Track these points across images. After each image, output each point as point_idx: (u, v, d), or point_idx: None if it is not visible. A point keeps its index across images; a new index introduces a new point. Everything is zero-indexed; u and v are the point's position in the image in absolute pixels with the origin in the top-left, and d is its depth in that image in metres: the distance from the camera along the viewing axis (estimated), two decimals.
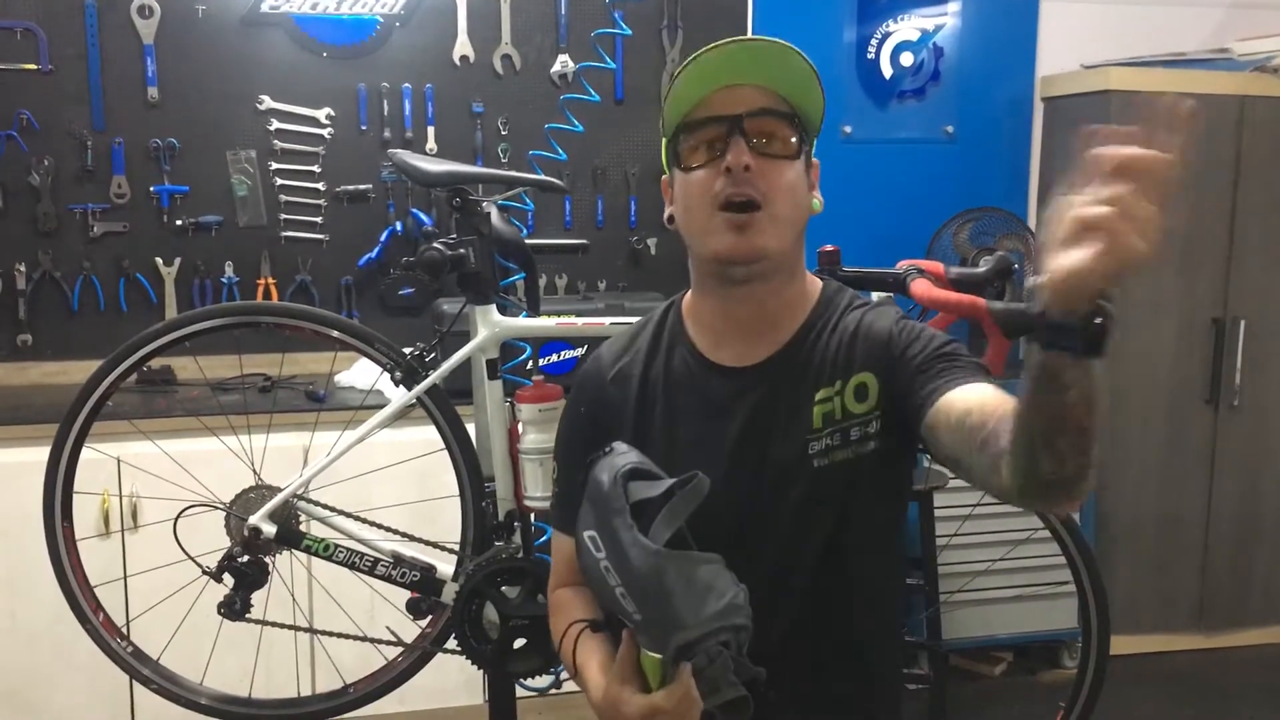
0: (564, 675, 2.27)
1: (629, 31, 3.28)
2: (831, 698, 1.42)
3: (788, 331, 1.43)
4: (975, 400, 1.24)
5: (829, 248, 2.24)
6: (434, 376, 2.17)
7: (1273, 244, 3.66)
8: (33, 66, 3.20)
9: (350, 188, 3.42)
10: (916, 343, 1.37)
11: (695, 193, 1.37)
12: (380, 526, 2.25)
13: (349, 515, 2.23)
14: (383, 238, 3.44)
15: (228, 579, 2.14)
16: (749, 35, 1.38)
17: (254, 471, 2.22)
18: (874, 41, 3.76)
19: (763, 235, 1.34)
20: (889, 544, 1.47)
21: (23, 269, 3.24)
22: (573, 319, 2.32)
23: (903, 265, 2.21)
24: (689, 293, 1.52)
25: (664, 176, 1.48)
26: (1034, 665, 3.64)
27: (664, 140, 1.44)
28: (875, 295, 3.17)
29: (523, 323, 2.25)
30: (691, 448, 1.42)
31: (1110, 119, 3.60)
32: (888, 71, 3.78)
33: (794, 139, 1.37)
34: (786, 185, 1.35)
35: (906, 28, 3.78)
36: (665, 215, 1.48)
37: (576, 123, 2.93)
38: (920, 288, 2.10)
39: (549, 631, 2.14)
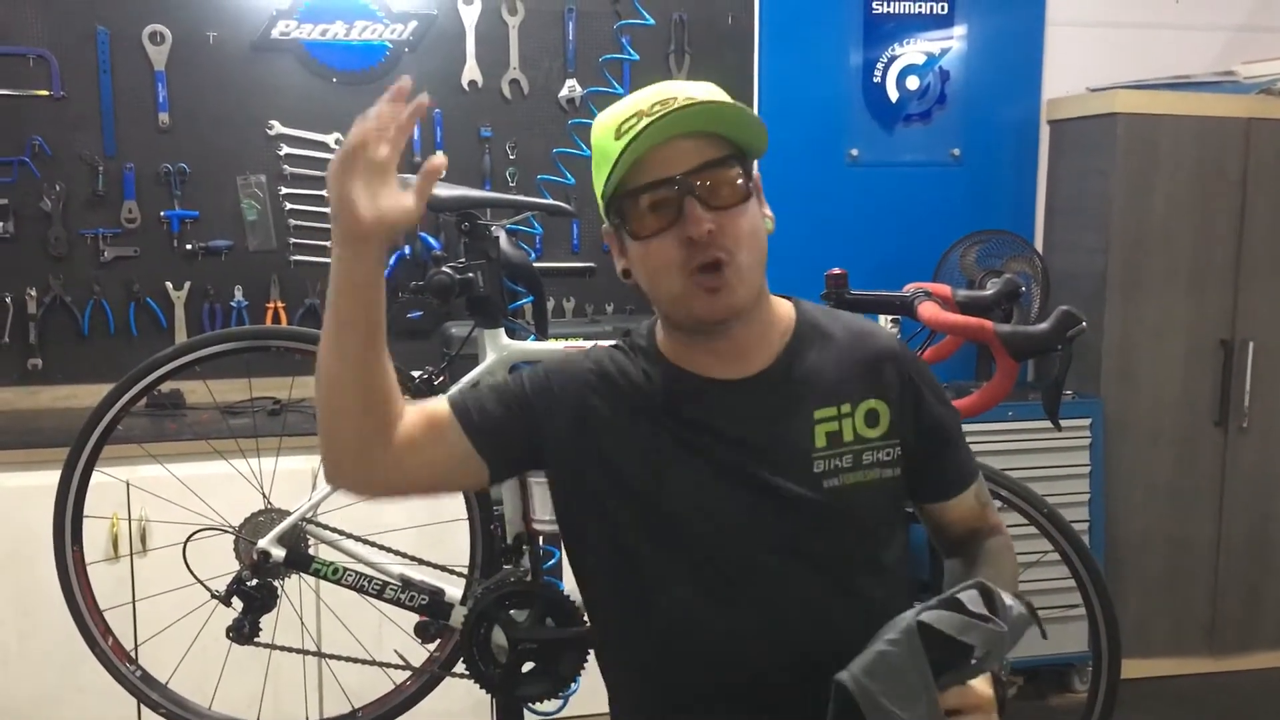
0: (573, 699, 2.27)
1: (636, 57, 3.30)
2: None
3: (770, 350, 1.41)
4: (959, 515, 1.54)
5: (836, 271, 2.25)
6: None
7: None
8: (45, 93, 3.23)
9: None
10: (936, 413, 1.47)
11: (658, 263, 1.31)
12: (389, 550, 2.25)
13: (357, 539, 2.24)
14: (391, 261, 3.44)
15: (236, 603, 2.14)
16: (665, 90, 1.32)
17: (263, 495, 2.22)
18: (880, 65, 3.77)
19: (734, 293, 1.30)
20: (899, 566, 1.47)
21: (34, 293, 3.26)
22: (581, 342, 2.32)
23: (910, 288, 2.21)
24: (652, 323, 1.47)
25: (605, 227, 1.41)
26: (1044, 689, 3.62)
27: (601, 199, 1.37)
28: (881, 319, 3.19)
29: (531, 346, 2.26)
30: (684, 461, 1.38)
31: (1116, 142, 3.64)
32: (894, 95, 3.79)
33: (740, 179, 1.31)
34: (749, 232, 1.31)
35: (912, 51, 3.79)
36: (619, 269, 1.41)
37: (584, 147, 2.94)
38: (928, 311, 2.10)
39: (558, 655, 2.15)
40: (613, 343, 1.52)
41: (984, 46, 3.84)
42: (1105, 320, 3.55)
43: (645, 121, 1.27)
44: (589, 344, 2.29)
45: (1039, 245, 3.87)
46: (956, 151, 3.86)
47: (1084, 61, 3.85)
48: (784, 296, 1.48)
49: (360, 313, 1.28)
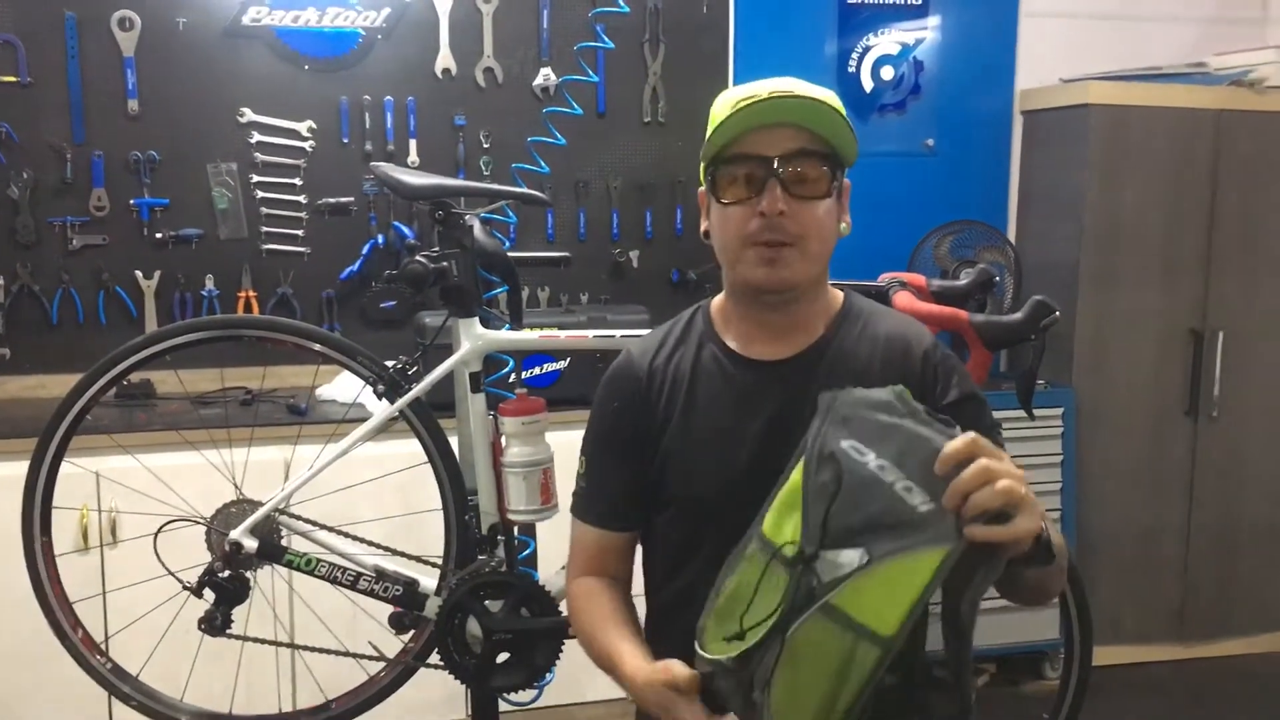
0: (547, 688, 2.27)
1: (611, 45, 3.29)
2: None
3: (815, 332, 1.50)
4: None
5: None
6: (417, 389, 2.17)
7: (1250, 256, 3.69)
8: (12, 79, 3.18)
9: (332, 200, 3.41)
10: (958, 394, 1.48)
11: (730, 228, 1.43)
12: (362, 541, 2.24)
13: (331, 529, 2.22)
14: (364, 250, 3.43)
15: (208, 594, 2.13)
16: (787, 83, 1.42)
17: (235, 486, 2.21)
18: (855, 55, 3.78)
19: (792, 269, 1.42)
20: None
21: (1, 282, 3.22)
22: (556, 332, 2.32)
23: (885, 278, 2.22)
24: (719, 296, 1.58)
25: (701, 189, 1.51)
26: (1016, 676, 3.65)
27: (703, 161, 1.47)
28: None
29: (506, 336, 2.25)
30: (719, 435, 1.47)
31: (1089, 132, 3.66)
32: (868, 85, 3.80)
33: (826, 177, 1.42)
34: (817, 224, 1.42)
35: (887, 41, 3.80)
36: (701, 229, 1.53)
37: (559, 135, 2.94)
38: (903, 300, 2.11)
39: (533, 646, 2.15)
40: (670, 322, 1.61)
41: (958, 37, 3.85)
42: (1077, 310, 3.57)
43: (759, 100, 1.39)
44: (563, 333, 2.30)
45: (1012, 235, 3.89)
46: (930, 142, 3.87)
47: (1057, 53, 3.86)
48: (839, 287, 1.58)
49: None
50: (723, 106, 1.44)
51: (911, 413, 1.19)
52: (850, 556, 1.12)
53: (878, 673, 1.10)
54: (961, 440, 1.11)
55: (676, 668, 1.28)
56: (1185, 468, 3.74)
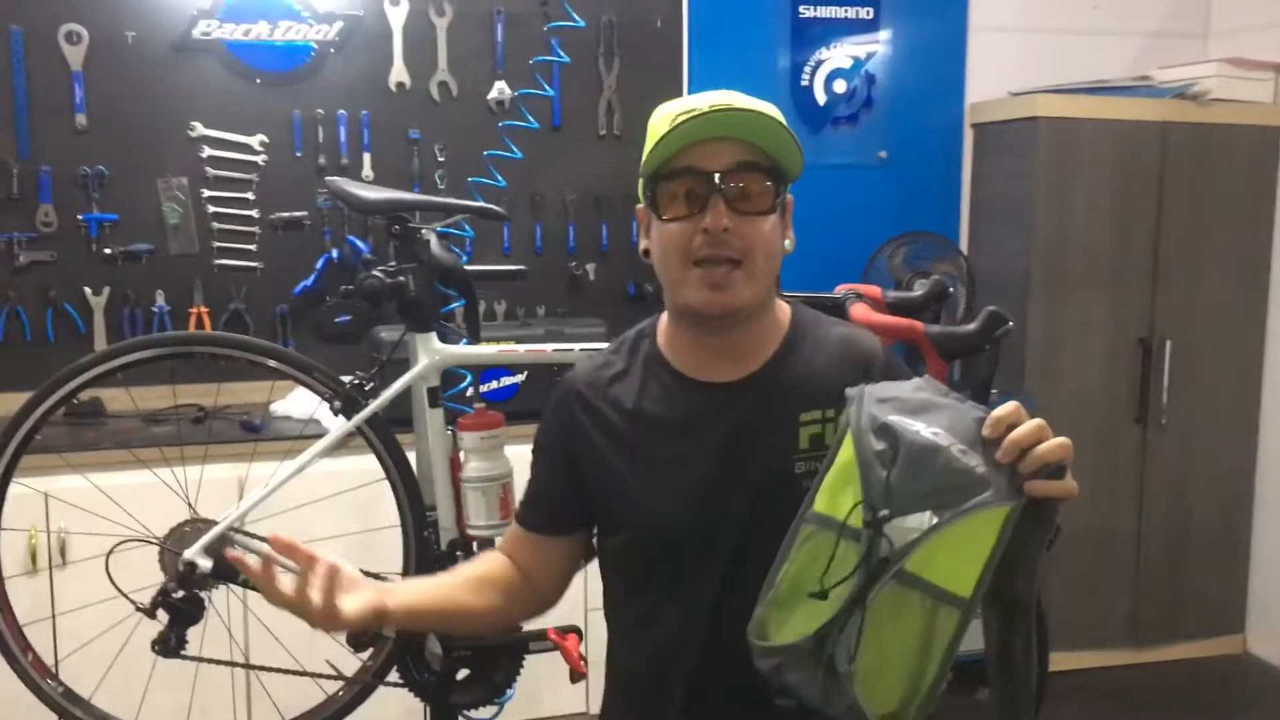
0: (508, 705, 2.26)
1: (567, 59, 3.30)
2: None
3: (766, 352, 1.46)
4: None
5: None
6: (374, 405, 2.15)
7: (1196, 265, 3.76)
8: None
9: (285, 215, 3.38)
10: None
11: (671, 245, 1.39)
12: None
13: None
14: (319, 265, 3.40)
15: (162, 615, 2.10)
16: (727, 96, 1.41)
17: (189, 505, 2.18)
18: (808, 69, 3.81)
19: (737, 292, 1.38)
20: None
21: None
22: (514, 345, 2.31)
23: (841, 290, 2.24)
24: (663, 316, 1.54)
25: (640, 206, 1.48)
26: (972, 683, 3.66)
27: (641, 176, 1.44)
28: None
29: (464, 350, 2.24)
30: (670, 463, 1.44)
31: (1037, 144, 3.71)
32: (821, 98, 3.83)
33: (770, 192, 1.39)
34: (763, 240, 1.38)
35: (839, 55, 3.83)
36: (641, 248, 1.50)
37: (515, 149, 2.94)
38: (859, 312, 2.13)
39: (493, 662, 2.14)
40: (614, 341, 1.59)
41: (909, 51, 3.90)
42: (1028, 320, 3.62)
43: (699, 115, 1.35)
44: (521, 347, 2.29)
45: (964, 246, 3.94)
46: (883, 154, 3.91)
47: (1005, 66, 3.92)
48: (785, 299, 1.55)
49: (417, 625, 1.55)
50: (661, 120, 1.41)
51: (942, 392, 1.24)
52: (919, 520, 1.14)
53: (960, 634, 1.14)
54: (1010, 405, 1.17)
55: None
56: (1136, 475, 3.80)
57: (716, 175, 1.35)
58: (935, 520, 1.14)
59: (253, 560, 1.32)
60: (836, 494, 1.23)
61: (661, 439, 1.45)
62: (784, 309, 1.52)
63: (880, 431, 1.19)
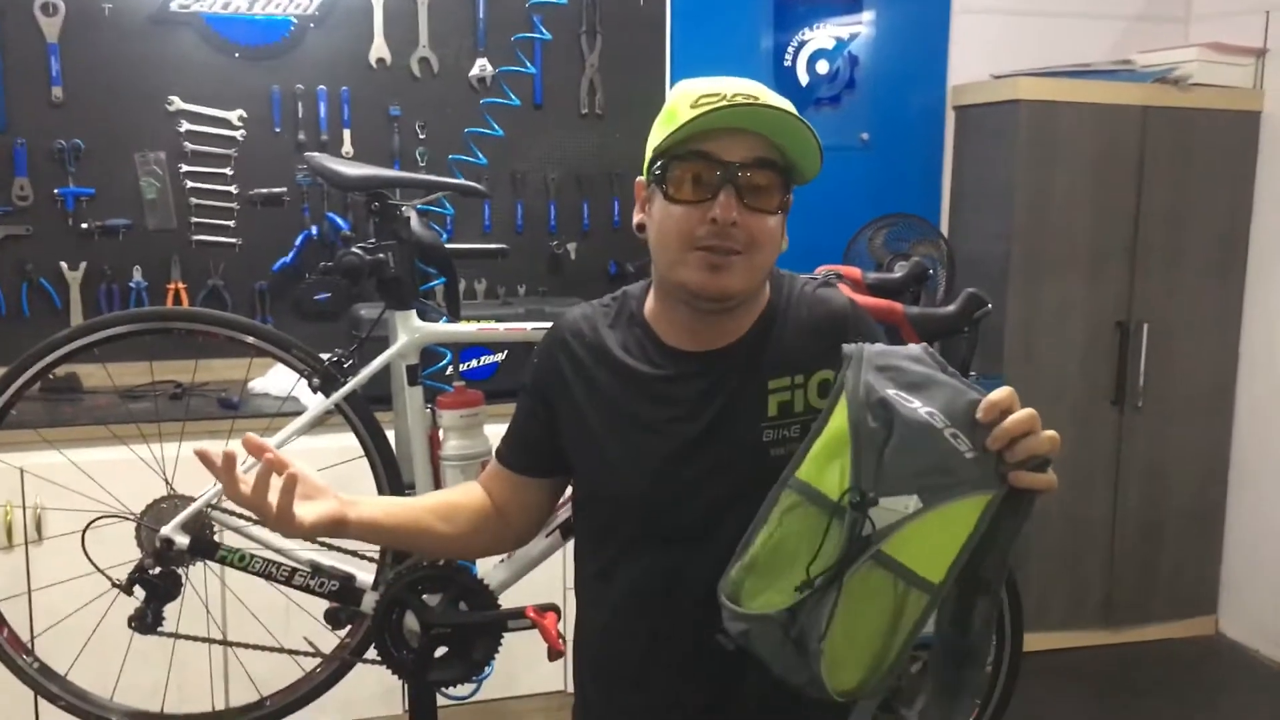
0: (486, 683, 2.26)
1: (549, 36, 3.28)
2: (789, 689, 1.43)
3: (745, 326, 1.47)
4: None
5: None
6: (353, 383, 2.15)
7: (1174, 249, 3.78)
8: None
9: (264, 191, 3.36)
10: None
11: (674, 228, 1.38)
12: None
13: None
14: (298, 242, 3.38)
15: (139, 592, 2.09)
16: (751, 87, 1.39)
17: (166, 481, 2.17)
18: (791, 49, 3.80)
19: (734, 279, 1.38)
20: None
21: None
22: (494, 324, 2.31)
23: (822, 271, 2.23)
24: (648, 283, 1.54)
25: (640, 179, 1.47)
26: None
27: (649, 151, 1.42)
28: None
29: (443, 328, 2.24)
30: (640, 423, 1.45)
31: (1018, 127, 3.72)
32: (804, 79, 3.83)
33: (780, 191, 1.39)
34: (767, 235, 1.38)
35: (822, 36, 3.83)
36: (635, 221, 1.49)
37: (496, 127, 2.93)
38: None
39: (472, 640, 2.14)
40: (605, 297, 1.58)
41: (891, 32, 3.89)
42: (1007, 302, 3.63)
43: (723, 104, 1.34)
44: (501, 326, 2.29)
45: (945, 229, 3.95)
46: (865, 135, 3.91)
47: (988, 49, 3.92)
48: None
49: (377, 540, 1.55)
50: (681, 99, 1.39)
51: (941, 366, 1.23)
52: (904, 502, 1.15)
53: (925, 619, 1.15)
54: (1005, 390, 1.17)
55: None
56: (1111, 457, 3.83)
57: (732, 166, 1.35)
58: (920, 505, 1.14)
59: (216, 455, 1.33)
60: (824, 465, 1.22)
61: (635, 399, 1.46)
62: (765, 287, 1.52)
63: (877, 407, 1.19)
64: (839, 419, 1.22)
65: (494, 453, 1.63)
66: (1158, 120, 3.69)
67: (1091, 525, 3.83)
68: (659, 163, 1.40)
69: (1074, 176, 3.65)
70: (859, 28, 3.86)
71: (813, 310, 1.49)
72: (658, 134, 1.41)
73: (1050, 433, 1.15)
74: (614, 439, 1.46)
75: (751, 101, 1.35)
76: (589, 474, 1.52)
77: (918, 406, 1.18)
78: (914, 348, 1.27)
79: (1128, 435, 3.83)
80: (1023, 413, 1.16)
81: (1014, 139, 3.61)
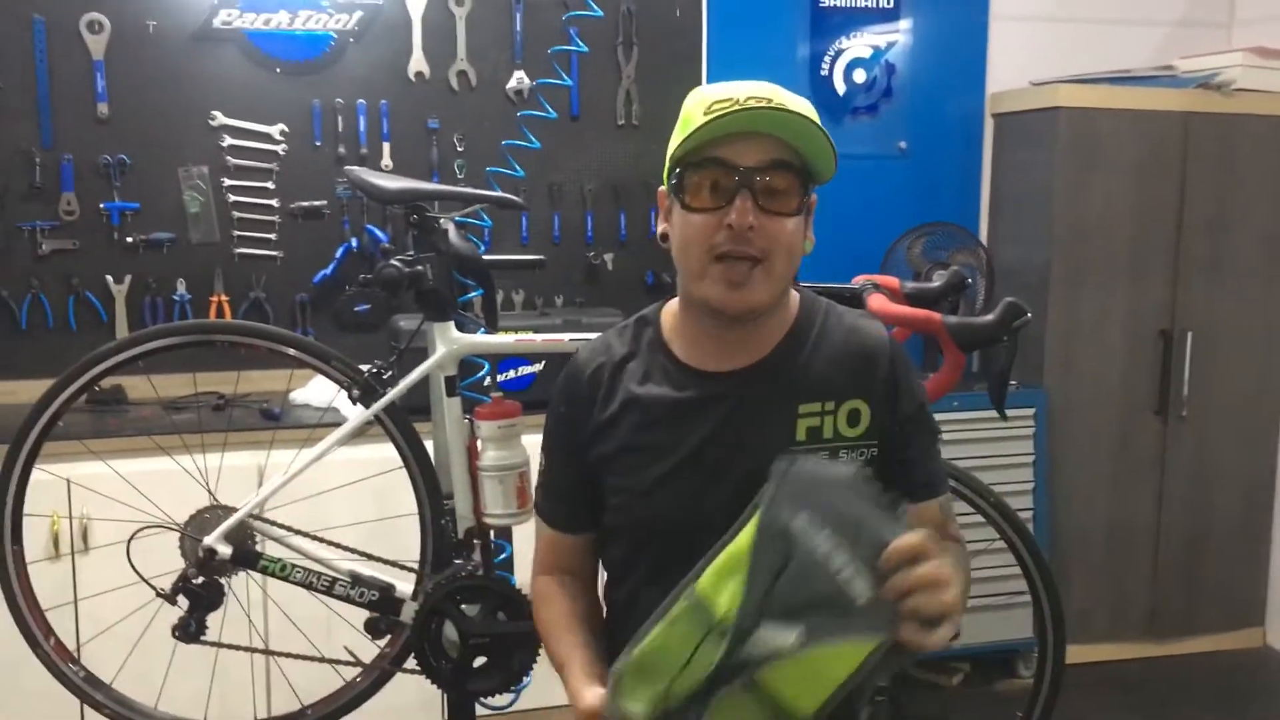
0: (524, 692, 2.27)
1: (585, 48, 3.29)
2: None
3: (770, 343, 1.45)
4: (921, 522, 1.40)
5: None
6: (392, 394, 2.17)
7: (1218, 257, 3.73)
8: None
9: (305, 204, 3.39)
10: (912, 407, 1.47)
11: (693, 236, 1.37)
12: (338, 545, 2.24)
13: (306, 535, 2.22)
14: (338, 254, 3.41)
15: (182, 601, 2.12)
16: (765, 89, 1.39)
17: (209, 491, 2.20)
18: (827, 58, 3.80)
19: (756, 292, 1.36)
20: None
21: None
22: (531, 335, 2.32)
23: (859, 280, 2.23)
24: (673, 300, 1.53)
25: (662, 189, 1.46)
26: (990, 675, 3.67)
27: (668, 159, 1.42)
28: None
29: (481, 339, 2.25)
30: (667, 451, 1.43)
31: (1058, 135, 3.67)
32: (841, 88, 3.82)
33: (798, 192, 1.37)
34: (785, 240, 1.36)
35: (859, 45, 3.82)
36: (659, 231, 1.48)
37: (533, 139, 2.94)
38: (876, 303, 2.13)
39: (510, 650, 2.15)
40: (621, 324, 1.57)
41: (929, 40, 3.87)
42: (1048, 311, 3.60)
43: (737, 109, 1.33)
44: (538, 336, 2.30)
45: (983, 237, 3.92)
46: (903, 144, 3.89)
47: (1026, 56, 3.89)
48: (797, 288, 1.53)
49: None
50: (696, 106, 1.38)
51: (866, 495, 1.19)
52: (785, 637, 1.13)
53: None
54: (913, 537, 1.13)
55: None
56: (1155, 467, 3.78)
57: (747, 171, 1.34)
58: (803, 639, 1.12)
59: None
60: (722, 579, 1.19)
61: (660, 427, 1.44)
62: (793, 298, 1.51)
63: (779, 537, 1.17)
64: (745, 537, 1.20)
65: (546, 526, 1.59)
66: (1200, 126, 3.64)
67: (1135, 535, 3.78)
68: (676, 171, 1.40)
69: (1115, 183, 3.61)
70: (896, 36, 3.85)
71: (849, 338, 1.47)
72: (674, 142, 1.40)
73: (948, 596, 1.11)
74: (638, 468, 1.45)
75: (764, 104, 1.34)
76: (619, 504, 1.49)
77: (820, 542, 1.15)
78: (847, 471, 1.23)
79: (1172, 445, 3.78)
80: (925, 569, 1.11)
81: (1054, 146, 3.58)
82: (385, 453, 2.24)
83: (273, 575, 2.15)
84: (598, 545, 1.58)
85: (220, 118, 3.32)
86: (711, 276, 1.36)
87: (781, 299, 1.44)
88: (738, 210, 1.33)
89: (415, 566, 2.24)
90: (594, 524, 1.54)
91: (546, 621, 1.54)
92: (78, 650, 2.35)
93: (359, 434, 2.19)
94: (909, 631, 1.11)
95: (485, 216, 3.06)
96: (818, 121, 1.36)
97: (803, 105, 1.38)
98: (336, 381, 2.20)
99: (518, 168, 2.94)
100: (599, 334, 1.57)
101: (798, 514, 1.17)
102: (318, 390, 3.06)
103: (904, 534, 1.14)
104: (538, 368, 3.09)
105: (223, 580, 2.15)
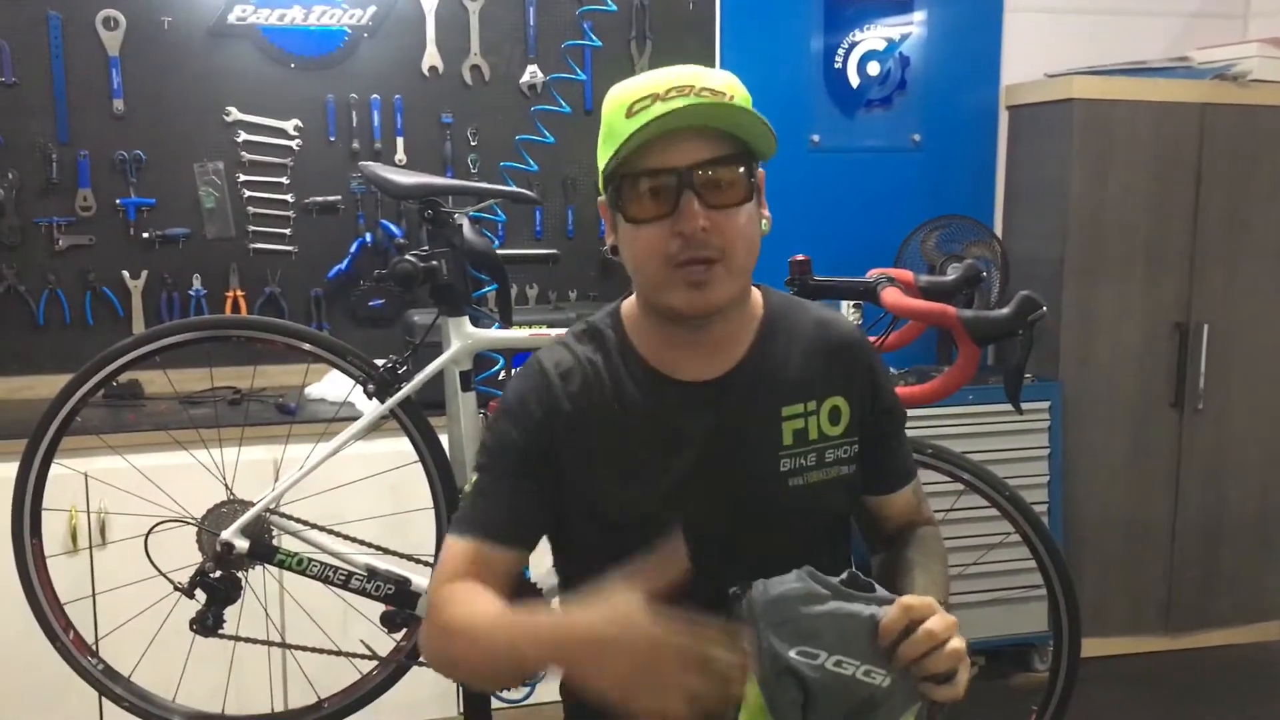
0: (540, 686, 2.27)
1: (598, 43, 3.29)
2: None
3: (741, 345, 1.40)
4: (898, 509, 1.53)
5: (800, 257, 2.26)
6: (407, 388, 2.17)
7: (1234, 249, 3.71)
8: None
9: (319, 199, 3.40)
10: (889, 400, 1.48)
11: (646, 249, 1.29)
12: (354, 540, 2.24)
13: (322, 529, 2.22)
14: (352, 249, 3.42)
15: (199, 595, 2.13)
16: (685, 75, 1.29)
17: (225, 486, 2.21)
18: (841, 51, 3.78)
19: (719, 290, 1.29)
20: (848, 562, 1.48)
21: None
22: (546, 329, 2.32)
23: (873, 274, 2.23)
24: (627, 302, 1.45)
25: (601, 199, 1.37)
26: (1006, 669, 3.67)
27: (600, 173, 1.33)
28: (844, 305, 3.20)
29: (496, 334, 2.25)
30: (651, 465, 1.36)
31: (1073, 127, 3.66)
32: (855, 81, 3.81)
33: (743, 179, 1.29)
34: (741, 233, 1.28)
35: (873, 37, 3.81)
36: (608, 243, 1.39)
37: (547, 133, 2.94)
38: (891, 296, 2.12)
39: None
40: (574, 331, 1.47)
41: (943, 32, 3.86)
42: (1063, 304, 3.58)
43: (658, 107, 1.25)
44: (553, 331, 2.30)
45: (998, 230, 3.91)
46: (917, 137, 3.88)
47: (1041, 48, 3.87)
48: (755, 286, 1.47)
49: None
50: (615, 110, 1.29)
51: (831, 591, 1.21)
52: None
53: None
54: (896, 610, 1.17)
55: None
56: (1171, 460, 3.76)
57: (686, 171, 1.25)
58: None
59: None
60: None
61: (640, 440, 1.36)
62: (755, 295, 1.45)
63: (785, 675, 1.17)
64: (752, 693, 1.17)
65: (465, 542, 1.35)
66: (1217, 118, 3.62)
67: (1151, 529, 3.77)
68: (610, 186, 1.32)
69: (1130, 176, 3.60)
70: (910, 28, 3.83)
71: (821, 332, 1.44)
72: (602, 154, 1.31)
73: (951, 647, 1.16)
74: (621, 484, 1.35)
75: (687, 93, 1.25)
76: (596, 518, 1.37)
77: (823, 659, 1.17)
78: (796, 579, 1.22)
79: (1188, 438, 3.76)
80: (920, 632, 1.15)
81: (1069, 138, 3.57)
82: (401, 447, 2.24)
83: (289, 569, 2.16)
84: (561, 546, 1.47)
85: (235, 113, 3.33)
86: (672, 283, 1.29)
87: (746, 291, 1.38)
88: (686, 215, 1.24)
89: (431, 560, 2.25)
90: (530, 542, 1.39)
91: (482, 607, 1.27)
92: (96, 643, 2.37)
93: (374, 429, 2.20)
94: (931, 690, 1.16)
95: (499, 211, 3.07)
96: (747, 100, 1.29)
97: (728, 83, 1.30)
98: (352, 376, 2.20)
99: (531, 162, 2.94)
100: (552, 343, 1.47)
101: (786, 648, 1.18)
102: (333, 385, 3.07)
103: (885, 603, 1.20)
104: None
105: (240, 574, 2.16)
